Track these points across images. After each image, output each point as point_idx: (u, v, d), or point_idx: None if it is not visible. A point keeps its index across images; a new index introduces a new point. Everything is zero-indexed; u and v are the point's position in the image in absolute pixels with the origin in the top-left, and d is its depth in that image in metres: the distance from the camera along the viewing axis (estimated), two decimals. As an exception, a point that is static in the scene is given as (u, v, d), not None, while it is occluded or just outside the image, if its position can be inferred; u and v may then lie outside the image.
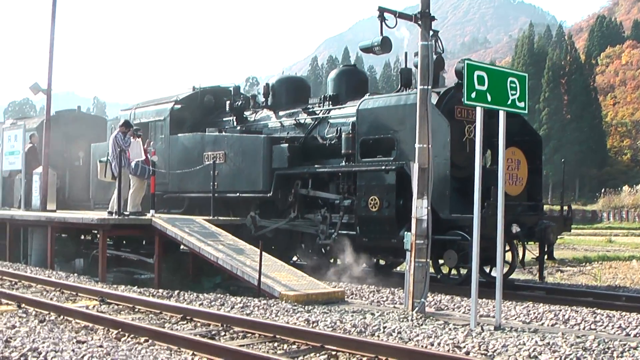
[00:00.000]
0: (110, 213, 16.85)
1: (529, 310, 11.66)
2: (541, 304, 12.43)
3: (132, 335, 8.90)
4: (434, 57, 11.97)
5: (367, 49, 12.79)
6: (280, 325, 9.23)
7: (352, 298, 13.50)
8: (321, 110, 18.02)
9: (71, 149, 26.15)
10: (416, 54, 16.02)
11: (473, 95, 9.74)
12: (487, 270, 15.55)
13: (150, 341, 8.52)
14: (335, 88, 18.36)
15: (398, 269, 18.80)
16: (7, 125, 24.66)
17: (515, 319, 11.15)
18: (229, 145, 18.74)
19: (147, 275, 16.97)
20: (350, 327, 9.37)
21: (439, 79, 15.89)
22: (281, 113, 19.23)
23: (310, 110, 18.35)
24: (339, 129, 17.03)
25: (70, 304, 11.56)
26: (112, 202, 17.26)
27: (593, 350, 7.84)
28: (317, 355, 8.01)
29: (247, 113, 20.31)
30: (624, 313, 11.53)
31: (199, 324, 9.86)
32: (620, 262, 25.73)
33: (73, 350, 7.80)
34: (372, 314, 10.73)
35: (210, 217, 17.19)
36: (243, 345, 8.44)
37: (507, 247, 14.81)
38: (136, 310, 11.13)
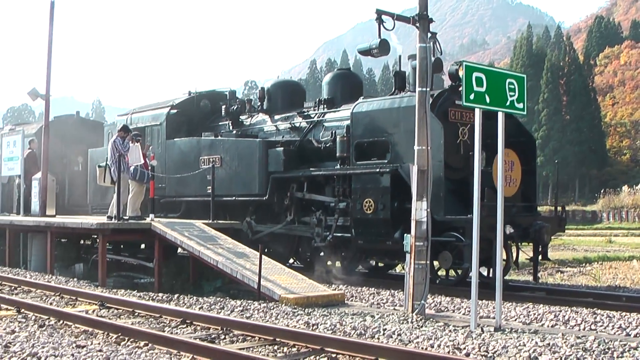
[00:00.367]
0: (110, 218, 16.85)
1: (529, 311, 11.65)
2: (541, 305, 12.42)
3: (131, 340, 8.90)
4: (432, 59, 11.95)
5: (365, 52, 12.79)
6: (280, 328, 9.23)
7: (352, 300, 13.50)
8: (316, 114, 18.09)
9: (70, 154, 26.14)
10: (410, 57, 16.17)
11: (472, 96, 9.74)
12: (485, 272, 15.56)
13: (150, 345, 8.52)
14: (330, 91, 18.41)
15: (398, 270, 18.80)
16: (5, 131, 24.67)
17: (516, 320, 11.14)
18: (225, 150, 18.79)
19: (147, 279, 16.97)
20: (350, 330, 9.36)
21: (437, 81, 15.91)
22: (277, 117, 19.29)
23: (306, 113, 18.43)
24: (333, 132, 17.10)
25: (70, 309, 11.56)
26: (111, 206, 17.26)
27: (593, 351, 7.83)
28: (317, 358, 8.00)
29: (243, 117, 20.37)
30: (624, 313, 11.52)
31: (198, 328, 9.85)
32: (621, 262, 25.70)
33: (72, 355, 7.80)
34: (372, 316, 10.73)
35: (210, 221, 17.19)
36: (243, 349, 8.43)
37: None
38: (136, 314, 11.13)
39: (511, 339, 8.59)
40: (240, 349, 8.41)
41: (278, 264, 14.93)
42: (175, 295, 13.25)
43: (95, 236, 18.44)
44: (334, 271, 16.88)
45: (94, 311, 11.44)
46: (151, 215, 17.18)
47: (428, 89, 11.61)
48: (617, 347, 8.05)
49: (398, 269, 19.04)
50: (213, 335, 9.25)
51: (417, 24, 11.64)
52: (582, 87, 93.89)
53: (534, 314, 11.41)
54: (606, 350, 7.90)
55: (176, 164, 20.12)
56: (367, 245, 15.99)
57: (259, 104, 20.24)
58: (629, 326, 10.32)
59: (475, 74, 9.80)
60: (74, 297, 12.90)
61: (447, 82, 17.36)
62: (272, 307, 11.54)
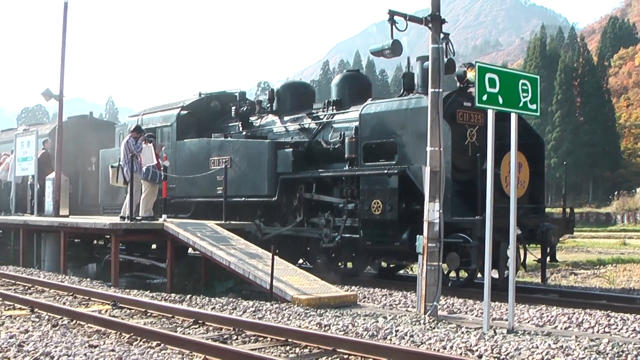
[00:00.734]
0: (123, 218, 16.89)
1: (542, 314, 11.60)
2: (554, 307, 12.37)
3: (144, 340, 8.91)
4: (445, 60, 11.93)
5: (378, 53, 12.77)
6: (292, 329, 9.22)
7: (364, 301, 13.49)
8: (325, 115, 18.17)
9: (83, 155, 26.25)
10: (418, 59, 16.22)
11: (484, 97, 9.72)
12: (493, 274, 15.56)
13: (162, 345, 8.54)
14: (338, 93, 18.49)
15: (410, 272, 18.77)
16: (20, 132, 24.76)
17: (528, 322, 11.09)
18: (234, 151, 18.85)
19: (159, 279, 17.00)
20: (363, 331, 9.35)
21: (450, 82, 15.92)
22: (286, 118, 19.37)
23: (315, 115, 18.52)
24: (342, 133, 17.17)
25: (83, 309, 11.59)
26: (124, 207, 17.30)
27: (607, 354, 7.79)
28: (329, 359, 8.00)
29: (252, 118, 20.46)
30: (638, 316, 11.44)
31: (211, 328, 9.86)
32: (635, 264, 25.62)
33: (85, 355, 7.82)
34: (384, 318, 10.71)
35: (222, 222, 17.21)
36: (255, 349, 8.43)
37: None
38: (148, 314, 11.15)
39: (524, 341, 8.55)
40: (252, 349, 8.41)
41: (290, 265, 14.95)
42: (188, 296, 13.26)
43: (108, 236, 18.51)
44: (341, 271, 16.93)
45: (106, 311, 11.46)
46: (164, 216, 17.22)
47: (440, 90, 11.59)
48: (631, 350, 8.01)
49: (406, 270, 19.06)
50: (225, 336, 9.26)
51: (430, 25, 11.62)
52: (596, 89, 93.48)
53: (547, 316, 11.36)
54: (620, 353, 7.86)
55: (186, 164, 20.20)
56: (375, 246, 16.03)
57: (269, 105, 20.31)
58: (643, 329, 10.26)
59: (488, 75, 9.77)
60: (87, 297, 12.94)
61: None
62: (284, 308, 11.53)
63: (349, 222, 16.53)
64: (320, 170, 17.35)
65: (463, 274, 15.89)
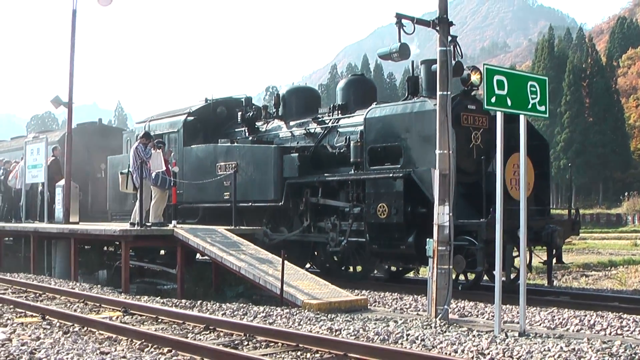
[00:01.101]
0: (133, 224, 16.91)
1: (554, 316, 11.57)
2: (566, 310, 12.34)
3: (155, 346, 8.92)
4: (453, 62, 11.92)
5: (386, 56, 12.75)
6: (303, 334, 9.22)
7: (374, 306, 13.48)
8: (330, 120, 18.23)
9: (93, 161, 26.32)
10: (422, 62, 16.24)
11: (493, 99, 9.71)
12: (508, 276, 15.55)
13: (173, 351, 8.54)
14: (344, 97, 18.55)
15: (414, 275, 18.75)
16: (29, 139, 24.83)
17: (540, 324, 11.07)
18: (240, 156, 18.90)
19: (170, 285, 17.01)
20: (374, 335, 9.34)
21: (459, 85, 15.92)
22: (292, 123, 19.43)
23: (320, 119, 18.57)
24: (347, 137, 17.22)
25: (94, 315, 11.61)
26: (134, 213, 17.33)
27: (620, 356, 7.76)
28: (341, 363, 7.98)
29: (258, 123, 20.54)
30: (650, 317, 11.40)
31: (222, 334, 9.86)
32: (646, 265, 25.51)
33: (97, 362, 7.83)
34: (395, 322, 10.69)
35: (232, 227, 17.22)
36: (266, 355, 8.44)
37: (516, 253, 14.96)
38: (159, 320, 11.16)
39: (536, 344, 8.52)
40: (263, 355, 8.42)
41: (300, 270, 14.95)
42: (198, 302, 13.27)
43: (118, 243, 18.55)
44: (348, 275, 16.98)
45: (117, 318, 11.48)
46: (174, 222, 17.24)
47: (449, 93, 11.58)
48: (643, 351, 7.97)
49: (412, 274, 19.04)
50: (236, 342, 9.26)
51: (438, 28, 11.61)
52: (605, 89, 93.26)
53: (559, 319, 11.33)
54: (633, 355, 7.82)
55: (193, 170, 20.26)
56: (381, 249, 16.06)
57: (275, 110, 20.39)
58: (655, 330, 10.23)
59: (496, 77, 9.77)
60: (97, 304, 12.96)
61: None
62: (294, 313, 11.53)
63: (355, 226, 16.59)
64: (326, 174, 17.40)
65: (470, 276, 15.90)
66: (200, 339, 9.58)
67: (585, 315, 11.52)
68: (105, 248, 21.35)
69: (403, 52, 12.27)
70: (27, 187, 22.80)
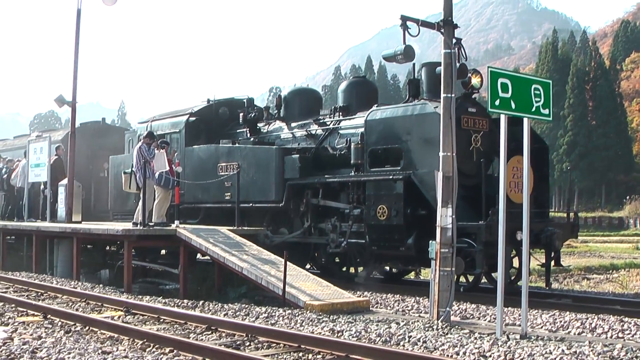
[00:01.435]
0: (136, 224, 16.93)
1: (555, 319, 11.57)
2: (567, 312, 12.33)
3: (157, 346, 8.93)
4: (457, 65, 11.91)
5: (390, 58, 12.76)
6: (305, 335, 9.22)
7: (376, 307, 13.48)
8: (332, 121, 18.28)
9: (96, 161, 26.35)
10: (423, 65, 16.27)
11: (497, 102, 9.71)
12: (511, 278, 15.57)
13: (175, 351, 8.55)
14: (345, 99, 18.62)
15: (422, 277, 18.75)
16: (32, 138, 24.85)
17: (542, 327, 11.07)
18: (242, 157, 18.94)
19: (172, 285, 17.02)
20: (376, 337, 9.34)
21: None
22: (293, 124, 19.48)
23: (321, 121, 18.63)
24: (348, 139, 17.26)
25: (96, 315, 11.62)
26: (137, 212, 17.34)
27: (621, 359, 7.75)
28: (342, 365, 7.99)
29: (260, 124, 20.59)
30: (652, 321, 11.39)
31: (223, 334, 9.87)
32: (648, 269, 25.47)
33: (99, 361, 7.84)
34: (397, 323, 10.69)
35: (235, 228, 17.23)
36: (268, 356, 8.45)
37: (514, 254, 15.01)
38: (161, 320, 11.17)
39: (537, 346, 8.52)
40: (265, 355, 8.43)
41: (303, 271, 14.97)
42: (200, 302, 13.29)
43: (120, 242, 18.57)
44: (348, 277, 17.01)
45: (119, 317, 11.50)
46: (176, 222, 17.26)
47: (453, 95, 11.58)
48: (645, 355, 7.97)
49: (412, 275, 19.08)
50: (238, 342, 9.26)
51: (442, 30, 11.61)
52: (609, 93, 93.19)
53: (560, 322, 11.33)
54: (634, 358, 7.83)
55: (194, 170, 20.29)
56: (380, 251, 16.12)
57: (276, 111, 20.46)
58: (657, 334, 10.21)
59: (500, 80, 9.76)
60: (99, 303, 12.98)
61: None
62: (297, 314, 11.53)
63: (355, 227, 16.62)
64: (326, 175, 17.45)
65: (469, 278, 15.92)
66: (202, 339, 9.59)
67: (587, 318, 11.52)
68: (107, 248, 21.36)
69: (408, 54, 12.28)
70: (29, 186, 22.81)
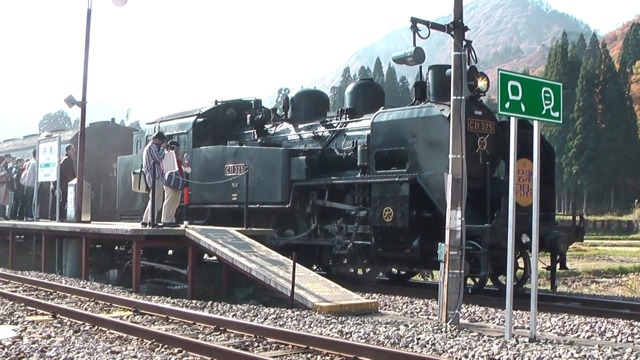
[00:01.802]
0: (145, 224, 16.96)
1: (565, 322, 11.53)
2: (577, 316, 12.30)
3: (165, 346, 8.94)
4: (467, 67, 11.90)
5: (400, 60, 12.75)
6: (313, 336, 9.22)
7: (385, 309, 13.47)
8: (338, 123, 18.39)
9: (105, 161, 26.43)
10: (430, 68, 16.29)
11: (507, 105, 9.69)
12: (524, 282, 15.55)
13: (183, 352, 8.55)
14: (352, 101, 18.74)
15: (430, 279, 18.74)
16: (42, 138, 24.92)
17: (551, 330, 11.04)
18: (249, 158, 19.01)
19: (180, 286, 17.05)
20: (384, 339, 9.33)
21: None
22: (300, 126, 19.57)
23: (328, 123, 18.74)
24: (355, 141, 17.34)
25: (105, 315, 11.64)
26: (146, 213, 17.37)
27: (630, 363, 7.74)
28: (351, 366, 7.98)
29: (267, 126, 20.66)
30: (661, 325, 11.35)
31: (232, 335, 9.87)
32: (657, 273, 25.40)
33: (108, 361, 7.85)
34: (406, 325, 10.68)
35: (243, 228, 17.25)
36: (276, 357, 8.46)
37: (518, 255, 15.04)
38: (170, 320, 11.18)
39: (546, 350, 8.50)
40: (273, 356, 8.43)
41: (311, 272, 14.98)
42: (209, 302, 13.30)
43: (129, 242, 18.60)
44: (355, 278, 17.04)
45: (128, 317, 11.51)
46: (185, 222, 17.29)
47: (463, 98, 11.56)
48: (655, 359, 7.94)
49: (417, 277, 19.08)
50: (247, 343, 9.27)
51: (452, 32, 11.59)
52: (618, 96, 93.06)
53: (570, 325, 11.29)
54: (644, 362, 7.80)
55: (202, 171, 20.35)
56: (386, 253, 16.18)
57: (283, 113, 20.54)
58: (666, 338, 10.18)
59: (510, 83, 9.74)
60: (108, 303, 13.00)
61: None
62: (305, 315, 11.53)
63: (360, 229, 16.69)
64: (333, 177, 17.54)
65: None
66: (210, 339, 9.59)
67: (596, 322, 11.48)
68: (116, 248, 21.40)
69: (418, 56, 12.28)
70: (38, 186, 22.88)
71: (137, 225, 17.38)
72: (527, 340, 9.50)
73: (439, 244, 11.50)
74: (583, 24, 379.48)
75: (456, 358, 8.25)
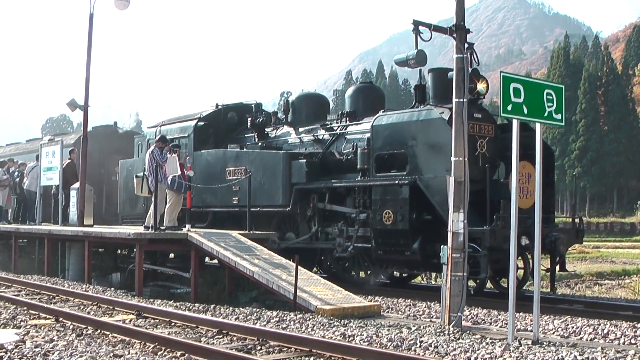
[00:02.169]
0: (147, 227, 16.96)
1: (567, 325, 11.52)
2: (579, 318, 12.28)
3: (168, 349, 8.94)
4: (469, 70, 11.89)
5: (402, 63, 12.75)
6: (316, 339, 9.21)
7: (387, 312, 13.46)
8: (339, 127, 18.45)
9: (108, 165, 26.45)
10: (430, 71, 16.31)
11: (509, 107, 9.69)
12: (525, 284, 15.53)
13: (186, 355, 8.55)
14: (352, 104, 18.81)
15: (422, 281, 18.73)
16: (45, 142, 24.94)
17: (553, 333, 11.02)
18: (250, 161, 19.06)
19: (183, 289, 17.05)
20: (387, 342, 9.33)
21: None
22: (301, 129, 19.65)
23: (329, 126, 18.82)
24: (355, 144, 17.42)
25: (107, 318, 11.64)
26: (148, 216, 17.38)
27: (634, 365, 7.73)
28: (354, 369, 7.97)
29: (268, 129, 20.74)
30: (665, 327, 11.33)
31: (235, 338, 9.87)
32: (660, 275, 25.37)
33: (110, 365, 7.85)
34: (409, 328, 10.68)
35: (246, 232, 17.26)
36: (279, 360, 8.45)
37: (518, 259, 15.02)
38: (172, 324, 11.18)
39: (549, 352, 8.50)
40: (276, 359, 8.42)
41: (314, 275, 14.98)
42: (211, 306, 13.30)
43: (131, 246, 18.59)
44: (355, 281, 17.06)
45: (130, 321, 11.51)
46: (187, 226, 17.30)
47: (465, 100, 11.56)
48: (658, 361, 7.93)
49: (418, 280, 19.08)
50: (249, 346, 9.27)
51: (454, 35, 11.59)
52: (621, 98, 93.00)
53: (572, 327, 11.28)
54: (647, 364, 7.79)
55: (203, 175, 20.38)
56: (386, 255, 16.25)
57: (284, 116, 20.59)
58: (670, 340, 10.16)
59: (513, 85, 9.74)
60: (111, 307, 13.00)
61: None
62: (308, 318, 11.53)
63: (361, 231, 16.75)
64: (333, 180, 17.59)
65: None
66: (213, 343, 9.59)
67: (599, 324, 11.47)
68: (119, 251, 21.41)
69: (420, 58, 12.27)
70: (41, 190, 22.90)
71: (140, 229, 17.38)
72: (530, 342, 9.49)
73: (442, 246, 11.50)
74: (585, 26, 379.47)
75: (459, 361, 8.24)
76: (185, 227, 17.26)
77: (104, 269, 20.17)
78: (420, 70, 16.87)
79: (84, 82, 21.22)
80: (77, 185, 20.96)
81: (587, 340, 10.46)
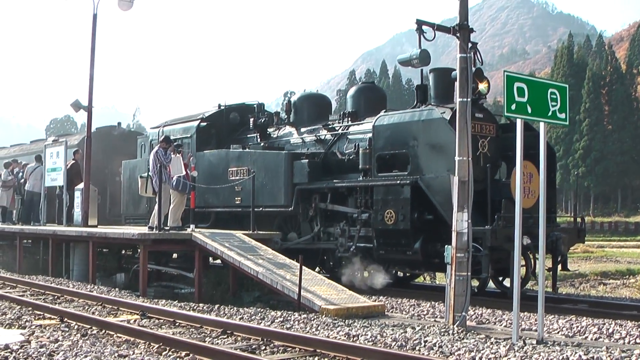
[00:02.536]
0: (151, 228, 16.98)
1: (572, 324, 11.51)
2: (584, 318, 12.28)
3: (173, 350, 8.95)
4: (472, 69, 11.88)
5: (406, 62, 12.73)
6: (320, 339, 9.22)
7: (392, 312, 13.46)
8: (340, 127, 18.47)
9: (112, 165, 26.47)
10: (431, 71, 16.31)
11: (513, 107, 9.68)
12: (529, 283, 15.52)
13: (191, 355, 8.56)
14: (354, 104, 18.82)
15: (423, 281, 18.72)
16: (49, 142, 24.97)
17: (558, 332, 11.01)
18: (252, 161, 19.10)
19: (187, 289, 17.07)
20: (391, 341, 9.33)
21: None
22: (303, 129, 19.67)
23: (330, 126, 18.84)
24: (357, 144, 17.45)
25: (112, 318, 11.65)
26: (152, 216, 17.40)
27: (639, 365, 7.72)
28: (358, 369, 7.97)
29: (270, 130, 20.77)
30: (669, 327, 11.31)
31: (239, 338, 9.88)
32: (665, 274, 25.33)
33: (115, 365, 7.86)
34: (413, 328, 10.67)
35: (250, 232, 17.27)
36: (283, 360, 8.45)
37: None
38: (177, 324, 11.19)
39: (554, 352, 8.49)
40: (281, 359, 8.42)
41: (318, 275, 14.99)
42: (216, 306, 13.31)
43: (136, 246, 18.62)
44: (357, 281, 17.07)
45: (135, 321, 11.53)
46: (191, 226, 17.31)
47: (469, 100, 11.55)
48: (663, 361, 7.92)
49: (420, 279, 19.06)
50: (254, 346, 9.28)
51: (458, 34, 11.58)
52: (625, 97, 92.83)
53: (577, 327, 11.27)
54: (652, 364, 7.78)
55: (205, 175, 20.38)
56: (388, 255, 16.28)
57: (286, 116, 20.62)
58: (674, 340, 10.14)
59: (516, 84, 9.74)
60: (115, 307, 13.02)
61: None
62: (312, 318, 11.53)
63: (363, 231, 16.80)
64: (335, 180, 17.62)
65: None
66: (217, 343, 9.60)
67: (604, 324, 11.45)
68: (123, 251, 21.44)
69: (423, 58, 12.26)
70: (45, 190, 22.92)
71: (144, 229, 17.40)
72: (534, 342, 9.49)
73: (446, 246, 11.50)
74: (589, 25, 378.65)
75: (463, 360, 8.24)
76: (189, 227, 17.27)
77: (108, 270, 20.20)
78: (421, 70, 16.89)
79: (88, 82, 21.28)
80: (81, 185, 20.99)
81: (591, 339, 10.46)
